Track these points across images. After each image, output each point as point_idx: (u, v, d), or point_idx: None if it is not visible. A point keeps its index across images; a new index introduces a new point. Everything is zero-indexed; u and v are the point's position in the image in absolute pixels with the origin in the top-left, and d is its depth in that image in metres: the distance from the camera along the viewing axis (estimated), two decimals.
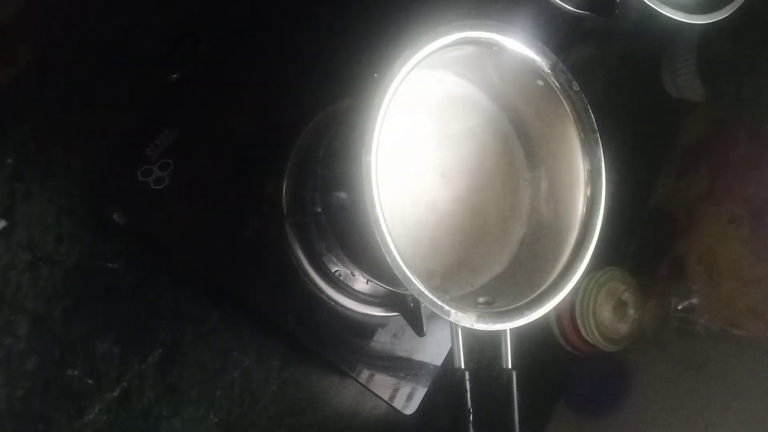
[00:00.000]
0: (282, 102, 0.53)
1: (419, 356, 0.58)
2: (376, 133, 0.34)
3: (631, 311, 0.75)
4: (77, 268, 0.47)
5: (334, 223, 0.44)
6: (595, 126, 0.42)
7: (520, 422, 0.39)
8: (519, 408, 0.40)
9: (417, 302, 0.48)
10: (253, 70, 0.53)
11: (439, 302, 0.36)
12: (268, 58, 0.53)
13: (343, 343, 0.55)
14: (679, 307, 0.73)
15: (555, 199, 0.45)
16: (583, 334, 0.72)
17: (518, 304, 0.39)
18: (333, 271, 0.54)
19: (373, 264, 0.40)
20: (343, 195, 0.38)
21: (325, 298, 0.54)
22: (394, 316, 0.56)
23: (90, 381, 0.48)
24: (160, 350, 0.50)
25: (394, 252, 0.34)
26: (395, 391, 0.57)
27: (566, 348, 0.76)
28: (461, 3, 0.50)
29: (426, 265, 0.44)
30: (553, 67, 0.42)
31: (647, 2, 0.49)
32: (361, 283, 0.55)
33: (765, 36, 0.73)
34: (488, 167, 0.46)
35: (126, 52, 0.50)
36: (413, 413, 0.57)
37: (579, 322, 0.72)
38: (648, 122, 0.82)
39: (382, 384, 0.56)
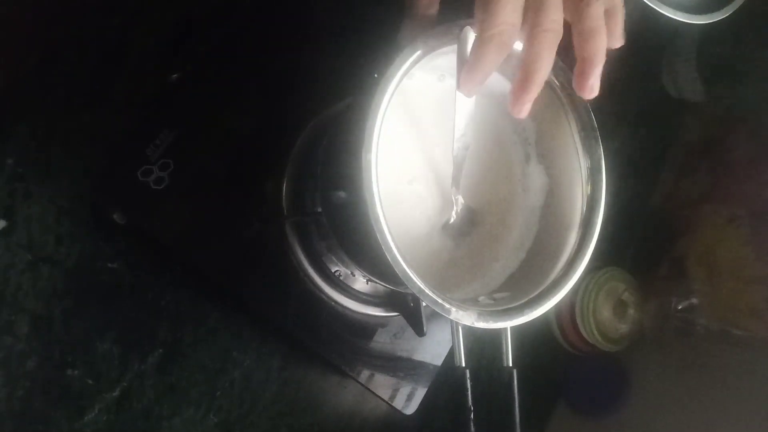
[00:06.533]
0: (282, 102, 0.53)
1: (419, 356, 0.58)
2: (375, 132, 0.34)
3: (631, 311, 0.75)
4: (77, 268, 0.47)
5: (334, 222, 0.44)
6: (595, 124, 0.42)
7: (520, 420, 0.39)
8: (519, 407, 0.40)
9: (417, 301, 0.49)
10: (253, 69, 0.53)
11: (440, 300, 0.36)
12: (269, 58, 0.53)
13: (343, 343, 0.55)
14: (679, 307, 0.73)
15: (555, 197, 0.45)
16: (583, 334, 0.72)
17: (519, 302, 0.39)
18: (333, 271, 0.54)
19: (373, 263, 0.40)
20: (343, 194, 0.38)
21: (325, 298, 0.54)
22: (394, 316, 0.56)
23: (90, 381, 0.48)
24: (160, 350, 0.50)
25: (394, 250, 0.34)
26: (395, 391, 0.57)
27: (566, 348, 0.76)
28: (460, 2, 0.50)
29: (426, 264, 0.44)
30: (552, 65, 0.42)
31: (647, 2, 0.49)
32: (361, 283, 0.55)
33: (765, 36, 0.74)
34: (487, 165, 0.46)
35: (126, 52, 0.50)
36: (413, 413, 0.57)
37: (579, 322, 0.72)
38: (648, 122, 0.82)
39: (382, 384, 0.56)
